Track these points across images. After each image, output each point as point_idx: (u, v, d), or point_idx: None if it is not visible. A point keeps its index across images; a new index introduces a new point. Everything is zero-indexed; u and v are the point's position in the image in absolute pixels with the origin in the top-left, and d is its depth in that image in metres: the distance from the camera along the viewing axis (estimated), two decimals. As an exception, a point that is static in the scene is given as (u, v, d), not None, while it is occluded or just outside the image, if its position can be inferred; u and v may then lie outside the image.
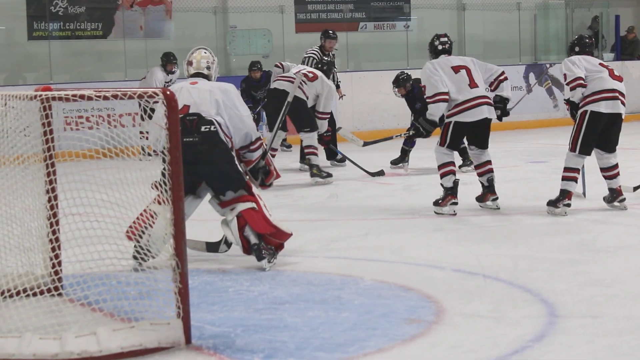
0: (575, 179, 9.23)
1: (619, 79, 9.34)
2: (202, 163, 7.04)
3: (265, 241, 7.20)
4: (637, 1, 23.13)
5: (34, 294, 5.87)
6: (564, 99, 9.64)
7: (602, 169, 9.42)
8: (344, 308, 6.02)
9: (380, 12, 20.29)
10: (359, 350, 5.16)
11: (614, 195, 9.40)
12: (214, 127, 7.19)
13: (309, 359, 5.03)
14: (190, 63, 7.84)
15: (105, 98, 5.68)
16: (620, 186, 9.39)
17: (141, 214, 6.61)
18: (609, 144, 9.31)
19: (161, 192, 6.07)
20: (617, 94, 9.18)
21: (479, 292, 6.41)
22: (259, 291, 6.53)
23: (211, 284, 6.74)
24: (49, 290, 6.12)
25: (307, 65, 14.08)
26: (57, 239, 6.10)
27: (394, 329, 5.53)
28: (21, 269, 6.09)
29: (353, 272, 7.02)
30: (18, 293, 5.81)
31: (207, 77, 7.71)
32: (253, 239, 7.17)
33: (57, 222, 6.13)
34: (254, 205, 7.21)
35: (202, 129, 7.12)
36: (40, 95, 5.86)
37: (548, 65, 19.93)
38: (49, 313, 5.62)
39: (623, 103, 9.25)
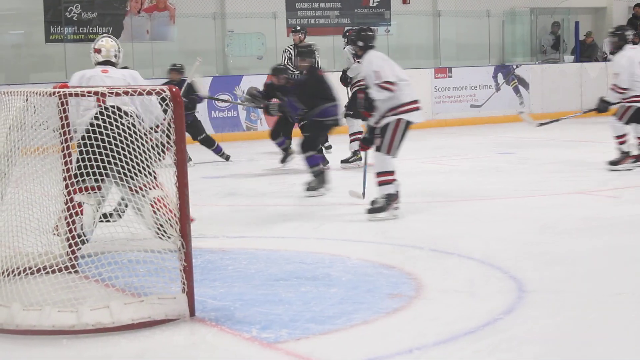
0: (393, 181, 8.48)
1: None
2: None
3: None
4: (595, 9, 23.12)
5: (53, 271, 5.86)
6: (364, 87, 8.82)
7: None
8: (333, 284, 6.01)
9: (363, 17, 20.24)
10: (346, 322, 5.16)
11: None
12: (133, 119, 6.68)
13: (301, 330, 5.02)
14: (98, 51, 7.45)
15: (117, 94, 5.65)
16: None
17: (66, 209, 6.17)
18: None
19: (75, 182, 6.03)
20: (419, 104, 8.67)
21: (455, 270, 6.42)
22: (256, 269, 6.51)
23: (212, 262, 6.72)
24: (66, 268, 6.09)
25: (282, 60, 14.14)
26: (73, 222, 6.08)
27: (378, 303, 5.52)
28: (41, 249, 6.06)
29: (341, 252, 7.00)
30: (38, 270, 5.79)
31: (114, 65, 7.44)
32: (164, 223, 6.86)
33: (73, 207, 6.11)
34: (162, 193, 6.83)
35: (124, 121, 6.38)
36: (58, 92, 5.83)
37: (515, 67, 19.96)
38: (66, 288, 5.59)
39: None
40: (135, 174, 6.30)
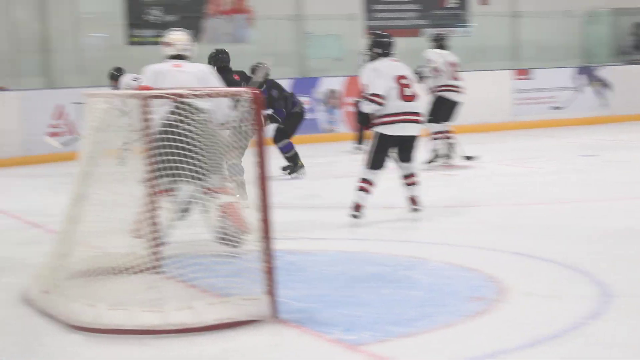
0: (367, 190, 8.37)
1: (411, 98, 8.31)
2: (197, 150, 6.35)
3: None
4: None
5: (137, 272, 5.93)
6: (357, 100, 8.68)
7: (402, 177, 8.60)
8: (414, 287, 6.02)
9: (441, 19, 20.14)
10: (428, 324, 5.15)
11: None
12: (208, 116, 6.76)
13: (383, 333, 5.02)
14: (169, 44, 7.41)
15: (198, 96, 5.71)
16: (414, 196, 8.61)
17: (141, 212, 6.30)
18: (404, 156, 8.46)
19: (152, 185, 6.08)
20: (408, 117, 8.30)
21: (537, 273, 6.36)
22: (338, 271, 6.53)
23: (295, 264, 6.73)
24: (150, 269, 6.18)
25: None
26: (157, 222, 6.16)
27: (459, 306, 5.51)
28: (125, 249, 6.16)
29: (421, 255, 6.98)
30: (123, 271, 5.87)
31: (185, 59, 7.36)
32: (229, 230, 6.66)
33: (156, 208, 6.18)
34: (233, 199, 6.82)
35: (199, 118, 6.54)
36: (140, 94, 5.91)
37: (597, 68, 19.71)
38: (151, 289, 5.67)
39: (418, 122, 8.42)
40: (207, 173, 6.34)
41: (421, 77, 12.63)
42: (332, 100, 17.48)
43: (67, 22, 17.06)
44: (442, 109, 12.64)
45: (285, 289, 5.75)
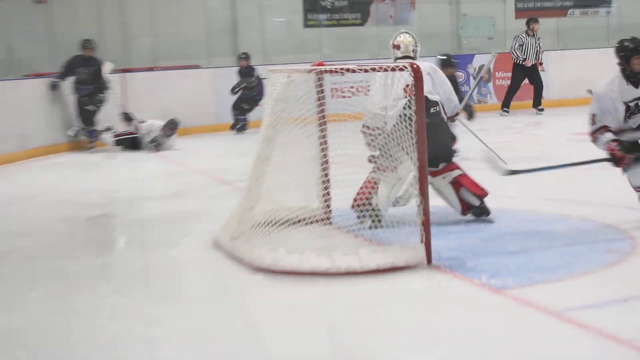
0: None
1: None
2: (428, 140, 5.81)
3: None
4: None
5: (310, 222, 6.06)
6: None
7: None
8: (555, 239, 5.96)
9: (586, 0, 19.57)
10: (566, 272, 5.12)
11: None
12: (439, 108, 6.62)
13: (526, 279, 5.02)
14: (397, 47, 7.11)
15: (365, 71, 5.76)
16: None
17: (364, 186, 6.41)
18: None
19: (377, 161, 6.09)
20: None
21: (670, 230, 6.20)
22: (486, 224, 6.52)
23: (447, 217, 6.72)
24: (321, 220, 6.30)
25: (513, 45, 14.88)
26: (328, 181, 6.26)
27: (596, 257, 5.44)
28: (301, 203, 6.29)
29: (562, 211, 6.90)
30: (298, 221, 6.01)
31: (413, 59, 6.97)
32: (473, 200, 6.66)
33: (328, 168, 6.28)
34: (461, 172, 6.73)
35: (431, 110, 6.42)
36: (316, 69, 6.00)
37: None
38: (322, 237, 5.80)
39: None
40: (437, 159, 6.40)
41: None
42: (483, 75, 17.30)
43: (252, 8, 17.35)
44: None
45: (439, 239, 5.81)
